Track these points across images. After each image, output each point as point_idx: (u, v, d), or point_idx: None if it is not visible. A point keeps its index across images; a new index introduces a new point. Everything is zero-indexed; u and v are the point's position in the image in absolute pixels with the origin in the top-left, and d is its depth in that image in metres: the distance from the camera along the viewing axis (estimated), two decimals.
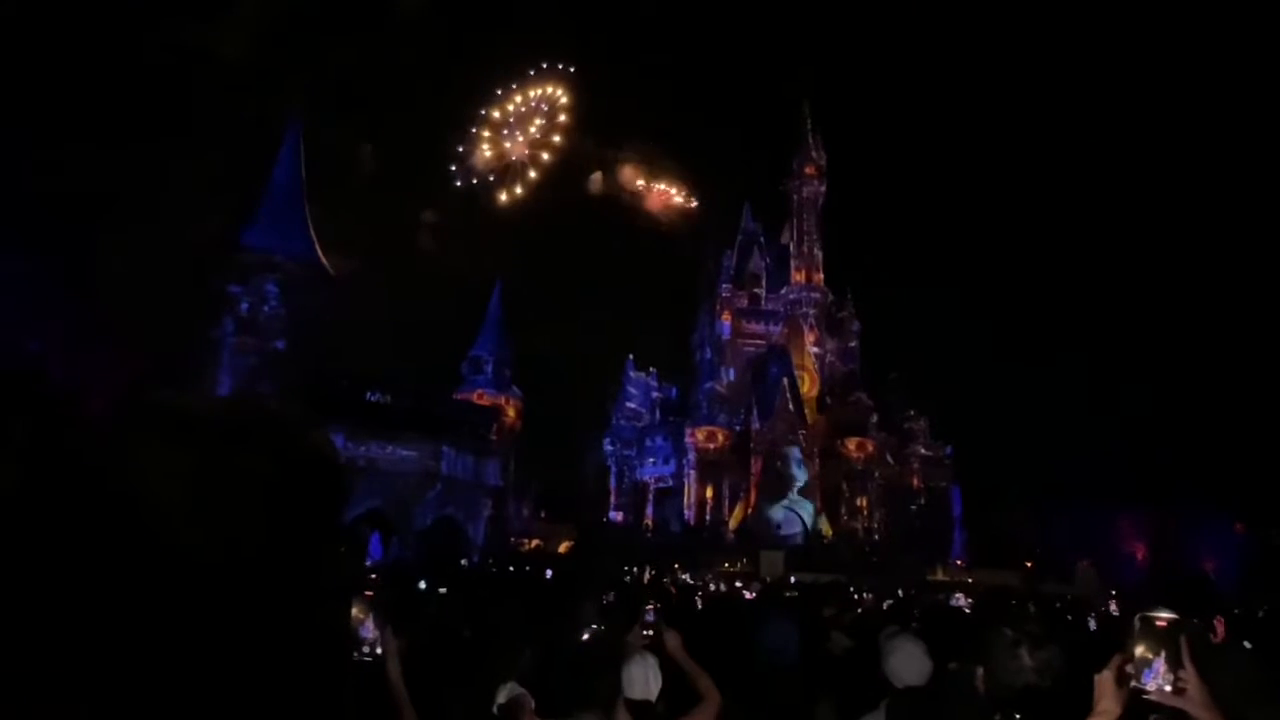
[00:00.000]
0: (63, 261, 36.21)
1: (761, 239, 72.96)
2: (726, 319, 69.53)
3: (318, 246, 46.43)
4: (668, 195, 69.22)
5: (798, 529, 59.36)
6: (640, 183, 67.37)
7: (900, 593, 14.79)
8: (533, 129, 55.56)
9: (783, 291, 70.54)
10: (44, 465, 1.55)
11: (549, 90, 55.92)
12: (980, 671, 2.85)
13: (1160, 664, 1.78)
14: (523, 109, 56.21)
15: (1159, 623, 1.80)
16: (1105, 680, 1.91)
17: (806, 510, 60.61)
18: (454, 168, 56.45)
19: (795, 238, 70.31)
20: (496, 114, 56.50)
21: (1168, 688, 1.76)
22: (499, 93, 57.03)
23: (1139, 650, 1.80)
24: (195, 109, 41.26)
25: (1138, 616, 1.82)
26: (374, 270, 51.41)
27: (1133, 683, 1.82)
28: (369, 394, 41.84)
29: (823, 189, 70.61)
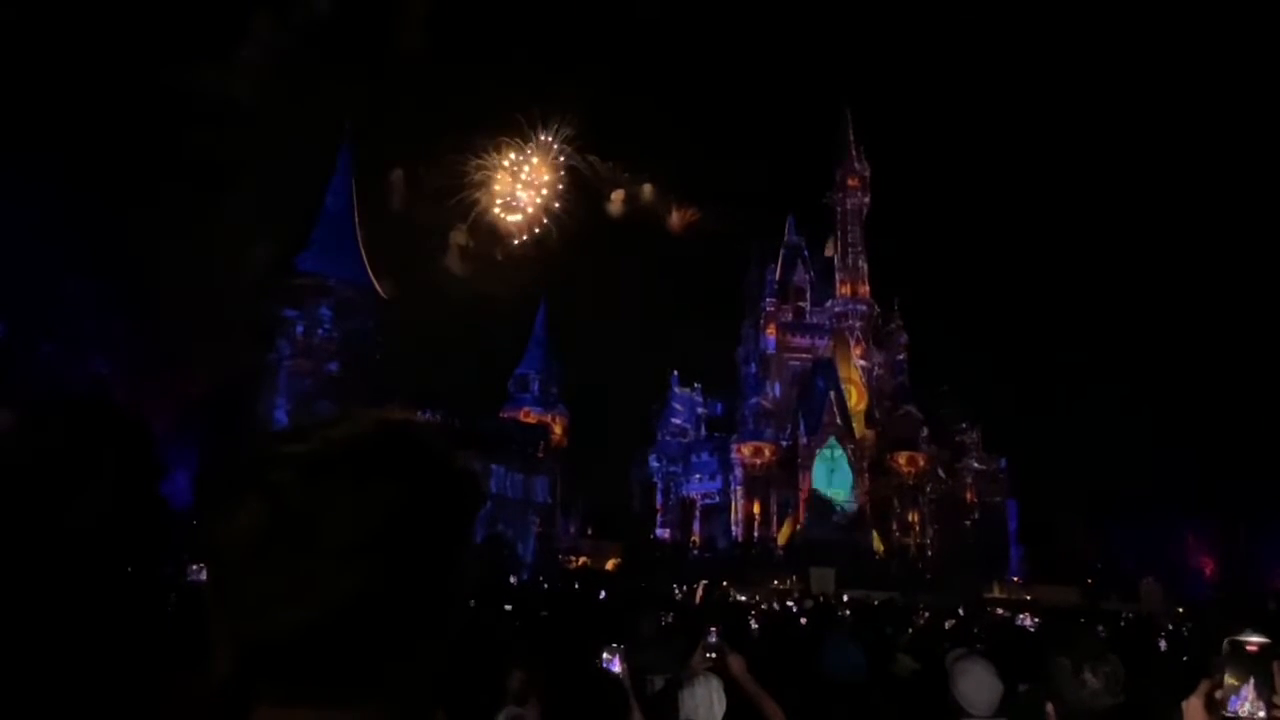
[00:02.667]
0: (126, 286, 37.61)
1: (805, 252, 72.49)
2: (771, 333, 69.11)
3: (369, 270, 47.51)
4: (708, 211, 69.25)
5: (846, 545, 58.41)
6: (681, 202, 67.53)
7: (960, 611, 14.45)
8: (560, 154, 55.74)
9: (828, 305, 69.93)
10: (132, 495, 1.64)
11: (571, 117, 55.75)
12: (1050, 707, 2.80)
13: (1249, 690, 1.74)
14: (553, 133, 56.47)
15: (1249, 647, 1.76)
16: (1194, 707, 1.87)
17: (855, 526, 59.69)
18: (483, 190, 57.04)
19: (839, 250, 69.74)
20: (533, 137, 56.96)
21: (1260, 714, 1.72)
22: (530, 117, 57.58)
23: (1228, 676, 1.77)
24: (248, 139, 42.62)
25: (1226, 641, 1.79)
26: (422, 292, 52.36)
27: (1222, 711, 1.78)
28: (420, 414, 42.45)
29: (866, 200, 69.99)
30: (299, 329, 44.39)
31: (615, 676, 3.57)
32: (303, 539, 0.67)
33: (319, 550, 0.67)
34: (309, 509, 0.68)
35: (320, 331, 44.58)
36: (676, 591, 22.56)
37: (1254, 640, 1.70)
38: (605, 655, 3.63)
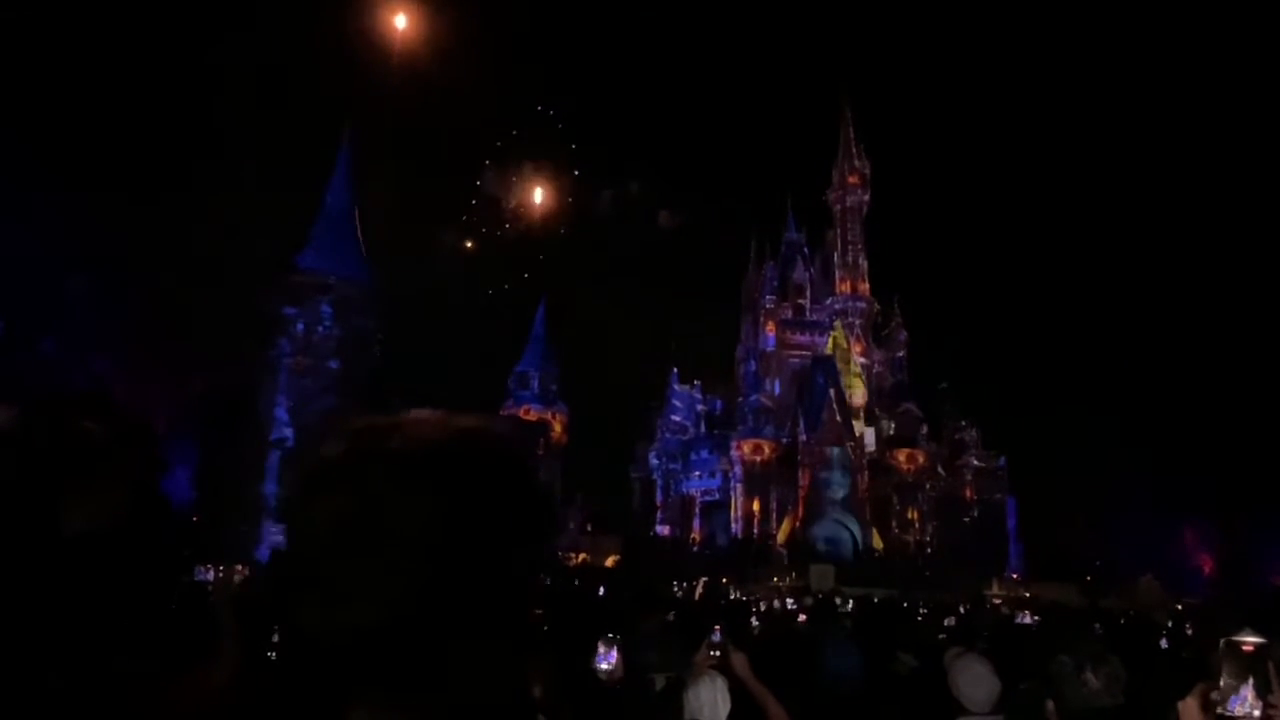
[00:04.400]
0: (125, 284, 37.61)
1: (805, 249, 72.53)
2: (770, 330, 69.16)
3: (369, 268, 47.51)
4: (708, 208, 69.22)
5: (846, 542, 58.53)
6: (670, 201, 67.50)
7: (961, 609, 14.50)
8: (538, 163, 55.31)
9: (828, 302, 69.97)
10: (136, 492, 1.66)
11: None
12: (1050, 705, 2.83)
13: (1248, 690, 1.75)
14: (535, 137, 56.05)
15: (1245, 647, 1.77)
16: (1189, 707, 1.89)
17: (854, 523, 59.77)
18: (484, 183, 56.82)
19: (839, 247, 69.78)
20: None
21: (1256, 713, 1.74)
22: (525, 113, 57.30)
23: (1225, 676, 1.79)
24: (249, 136, 42.61)
25: (1223, 641, 1.81)
26: (422, 289, 52.38)
27: (1218, 709, 1.79)
28: (419, 411, 42.42)
29: (866, 197, 69.98)
30: (299, 326, 44.44)
31: (615, 686, 3.59)
32: (388, 533, 0.67)
33: (403, 545, 0.67)
34: (398, 505, 0.68)
35: (320, 329, 44.62)
36: (676, 589, 22.57)
37: (1250, 640, 1.72)
38: (601, 648, 3.63)
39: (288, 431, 40.51)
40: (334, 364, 43.98)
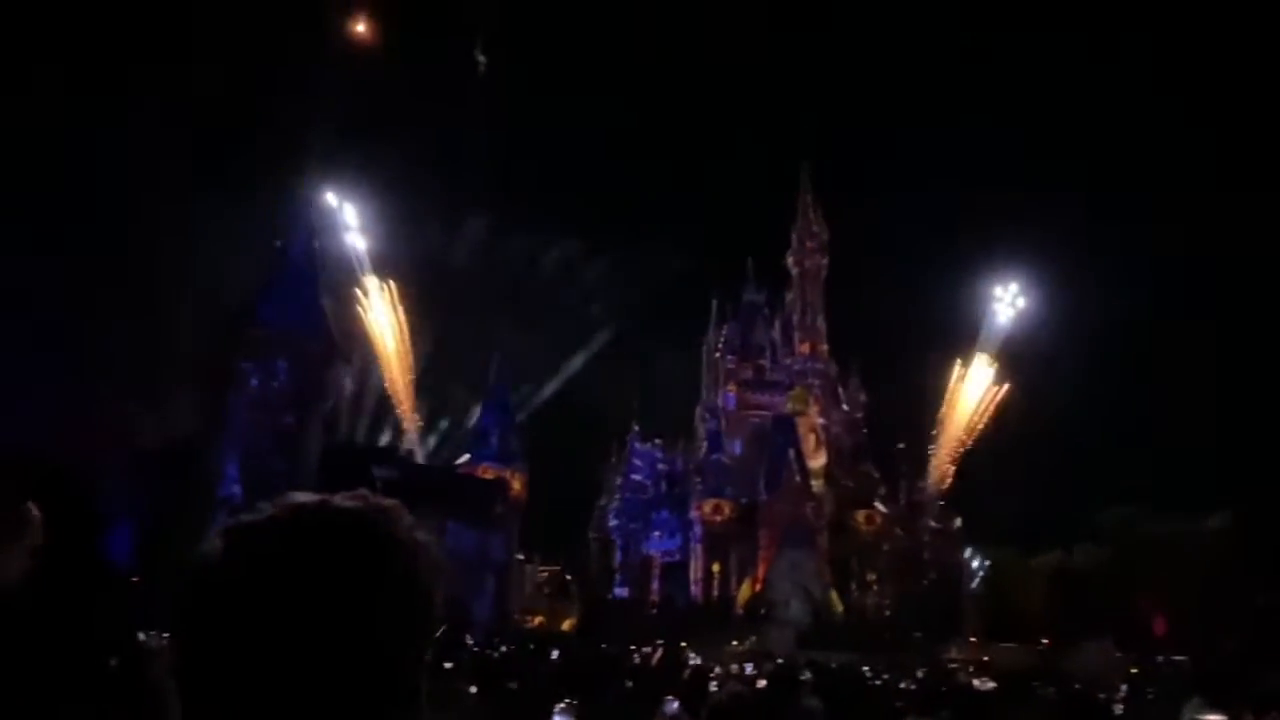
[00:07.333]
0: (71, 335, 36.62)
1: (765, 310, 73.52)
2: (731, 390, 69.57)
3: (328, 321, 46.95)
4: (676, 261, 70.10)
5: (805, 605, 58.07)
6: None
7: (919, 674, 14.41)
8: None
9: (787, 362, 70.73)
10: (62, 550, 1.59)
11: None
12: None
13: None
14: None
15: None
16: None
17: (813, 585, 59.41)
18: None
19: (799, 309, 70.93)
20: None
21: None
22: None
23: None
24: (211, 184, 42.32)
25: (1186, 716, 1.83)
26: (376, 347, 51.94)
27: None
28: (375, 469, 41.61)
29: (824, 261, 71.50)
30: (254, 380, 43.55)
31: None
32: (269, 610, 0.71)
33: (282, 621, 0.71)
34: (282, 581, 0.72)
35: (275, 384, 43.75)
36: (635, 653, 22.09)
37: (1212, 717, 1.74)
38: (557, 714, 3.53)
39: (236, 489, 39.32)
40: (289, 419, 43.06)
